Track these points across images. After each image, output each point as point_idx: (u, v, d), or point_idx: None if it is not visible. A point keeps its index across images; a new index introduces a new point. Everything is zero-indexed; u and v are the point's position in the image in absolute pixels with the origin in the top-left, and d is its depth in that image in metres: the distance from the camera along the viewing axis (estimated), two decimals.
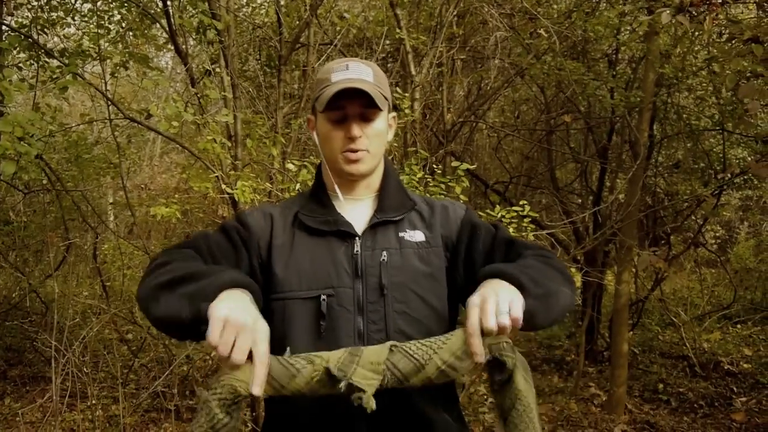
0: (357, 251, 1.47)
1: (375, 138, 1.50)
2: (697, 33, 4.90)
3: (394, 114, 1.63)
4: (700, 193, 5.96)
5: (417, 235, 1.53)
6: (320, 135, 1.54)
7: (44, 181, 5.46)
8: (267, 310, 1.42)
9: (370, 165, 1.52)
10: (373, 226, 1.51)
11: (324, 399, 1.24)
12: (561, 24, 5.27)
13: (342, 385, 1.15)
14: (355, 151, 1.48)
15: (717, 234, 8.62)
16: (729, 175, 5.86)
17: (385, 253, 1.48)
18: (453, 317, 1.54)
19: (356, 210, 1.55)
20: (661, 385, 5.61)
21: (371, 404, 1.15)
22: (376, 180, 1.59)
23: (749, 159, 5.92)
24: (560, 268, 1.37)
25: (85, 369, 4.32)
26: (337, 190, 1.55)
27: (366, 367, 1.17)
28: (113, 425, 4.47)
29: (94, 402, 4.39)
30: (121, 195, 7.72)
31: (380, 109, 1.47)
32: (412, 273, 1.48)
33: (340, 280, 1.44)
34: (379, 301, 1.44)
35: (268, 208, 1.59)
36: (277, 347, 1.30)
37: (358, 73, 1.49)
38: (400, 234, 1.52)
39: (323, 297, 1.42)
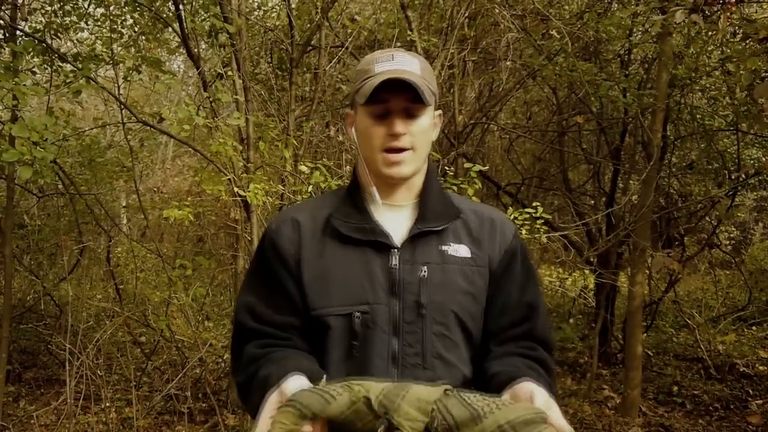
0: (394, 265, 1.33)
1: (420, 136, 1.35)
2: (711, 33, 4.86)
3: (439, 112, 1.47)
4: (714, 194, 5.91)
5: (461, 250, 1.38)
6: (359, 131, 1.39)
7: (58, 185, 5.50)
8: (308, 327, 1.36)
9: (413, 167, 1.37)
10: (413, 238, 1.36)
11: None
12: (573, 25, 5.24)
13: (381, 422, 1.02)
14: (398, 150, 1.33)
15: (731, 235, 8.55)
16: (743, 176, 5.81)
17: (425, 268, 1.33)
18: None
19: (395, 217, 1.40)
20: (675, 388, 5.57)
21: None
22: (417, 184, 1.43)
23: (764, 159, 5.87)
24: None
25: (98, 372, 4.34)
26: (375, 194, 1.38)
27: (412, 405, 1.03)
28: (126, 428, 4.49)
29: (107, 404, 4.40)
30: (133, 198, 7.77)
31: (427, 104, 1.32)
32: (454, 292, 1.34)
33: (376, 296, 1.31)
34: (417, 322, 1.31)
35: (295, 213, 1.45)
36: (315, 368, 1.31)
37: (404, 64, 1.34)
38: (443, 247, 1.37)
39: (357, 314, 1.30)
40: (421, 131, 1.35)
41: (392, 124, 1.31)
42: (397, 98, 1.31)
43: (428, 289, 1.32)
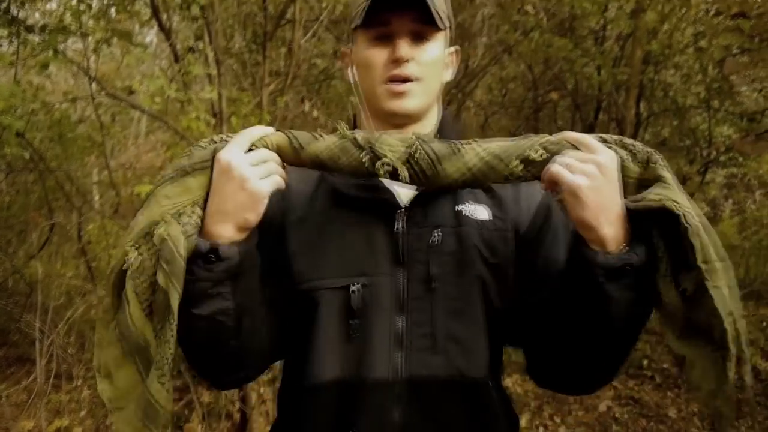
0: (399, 228, 1.12)
1: (430, 66, 1.13)
2: (684, 9, 4.89)
3: (456, 48, 1.25)
4: (686, 172, 5.98)
5: (479, 212, 1.15)
6: (357, 63, 1.16)
7: (27, 160, 5.39)
8: (292, 307, 1.15)
9: (421, 101, 1.14)
10: (423, 196, 1.14)
11: (348, 389, 1.08)
12: (548, 0, 5.23)
13: (365, 153, 0.99)
14: (402, 80, 1.11)
15: (702, 211, 8.68)
16: (714, 153, 5.88)
17: (437, 232, 1.12)
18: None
19: None
20: (645, 361, 5.67)
21: (405, 174, 0.98)
22: (428, 129, 1.20)
23: (734, 137, 5.94)
24: None
25: (69, 350, 4.30)
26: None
27: (393, 137, 1.00)
28: (99, 406, 4.46)
29: (79, 383, 4.37)
30: (105, 174, 7.65)
31: (439, 28, 1.11)
32: (473, 261, 1.12)
33: (377, 267, 1.10)
34: (426, 297, 1.10)
35: None
36: (302, 353, 1.14)
37: None
38: (458, 207, 1.15)
39: (354, 288, 1.09)
40: (431, 60, 1.13)
41: (396, 46, 1.10)
42: (401, 18, 1.09)
43: (440, 257, 1.11)
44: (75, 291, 5.69)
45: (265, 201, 1.01)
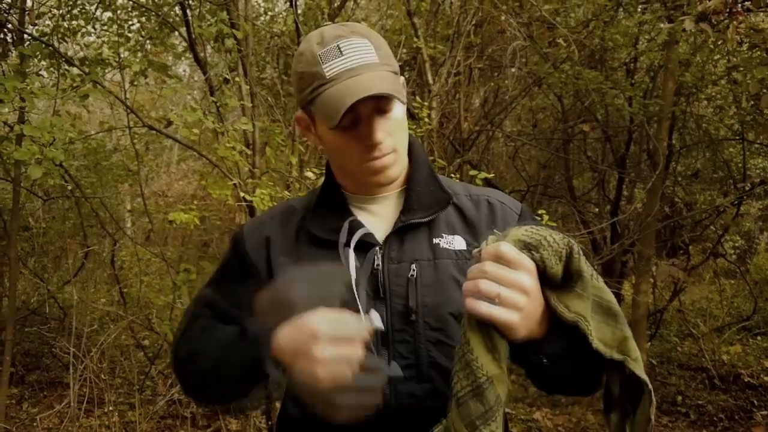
0: (378, 265, 1.16)
1: (398, 130, 1.17)
2: (718, 42, 4.86)
3: (402, 79, 1.24)
4: (719, 203, 5.90)
5: (456, 242, 1.20)
6: (327, 146, 1.21)
7: (67, 188, 5.51)
8: None
9: (400, 166, 1.21)
10: (399, 232, 1.19)
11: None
12: (579, 33, 5.25)
13: None
14: (381, 157, 1.16)
15: (736, 244, 8.52)
16: (749, 185, 5.80)
17: (414, 266, 1.16)
18: None
19: (377, 212, 1.25)
20: (679, 398, 5.54)
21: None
22: (401, 171, 1.26)
23: None
24: None
25: (102, 375, 4.35)
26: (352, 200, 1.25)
27: None
28: (129, 431, 4.49)
29: (110, 408, 4.41)
30: (138, 202, 7.78)
31: (401, 101, 1.13)
32: (451, 291, 1.16)
33: (361, 303, 1.13)
34: (407, 329, 1.15)
35: (264, 224, 1.29)
36: (291, 396, 1.18)
37: (358, 56, 1.11)
38: (435, 240, 1.20)
39: None
40: (398, 126, 1.17)
41: (369, 133, 1.13)
42: (365, 103, 1.09)
43: (418, 290, 1.15)
44: (108, 317, 5.76)
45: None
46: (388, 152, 1.16)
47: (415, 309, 1.15)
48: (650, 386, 1.05)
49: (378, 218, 1.24)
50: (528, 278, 0.96)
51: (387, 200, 1.26)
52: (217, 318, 1.22)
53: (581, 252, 1.02)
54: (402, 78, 1.24)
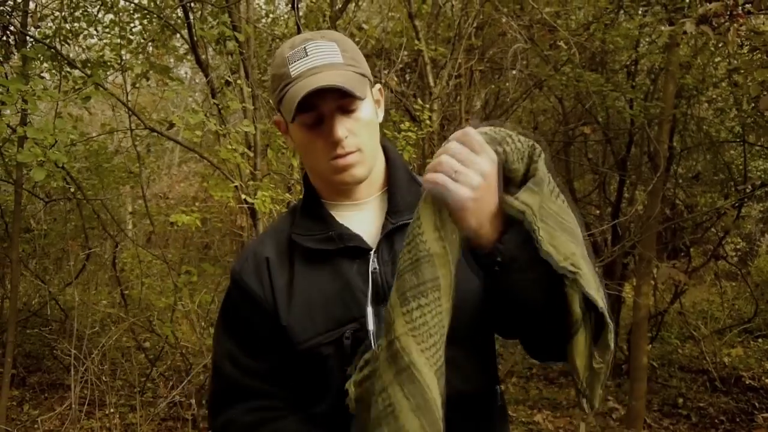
0: (375, 268, 1.19)
1: (364, 130, 1.19)
2: (719, 44, 4.87)
3: (379, 86, 1.30)
4: (720, 206, 5.90)
5: None
6: (296, 144, 1.25)
7: (69, 190, 5.52)
8: (299, 364, 1.22)
9: (366, 166, 1.22)
10: (388, 234, 1.21)
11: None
12: (580, 35, 5.25)
13: None
14: (344, 155, 1.17)
15: (737, 246, 8.51)
16: (750, 187, 5.80)
17: None
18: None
19: (362, 217, 1.26)
20: (680, 400, 5.54)
21: None
22: (378, 176, 1.29)
23: None
24: None
25: (103, 377, 4.35)
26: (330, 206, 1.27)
27: None
28: None
29: (111, 410, 4.41)
30: (139, 204, 7.79)
31: (361, 98, 1.15)
32: None
33: (362, 309, 1.17)
34: None
35: (257, 247, 1.30)
36: (310, 397, 1.22)
37: (322, 56, 1.16)
38: None
39: (346, 336, 1.16)
40: (364, 125, 1.19)
41: (330, 130, 1.15)
42: (325, 100, 1.14)
43: None
44: (109, 318, 5.77)
45: None
46: (351, 150, 1.18)
47: None
48: (602, 306, 1.05)
49: (363, 223, 1.25)
50: (488, 163, 0.99)
51: (368, 204, 1.28)
52: (244, 390, 1.25)
53: (543, 156, 1.06)
54: (378, 85, 1.30)
